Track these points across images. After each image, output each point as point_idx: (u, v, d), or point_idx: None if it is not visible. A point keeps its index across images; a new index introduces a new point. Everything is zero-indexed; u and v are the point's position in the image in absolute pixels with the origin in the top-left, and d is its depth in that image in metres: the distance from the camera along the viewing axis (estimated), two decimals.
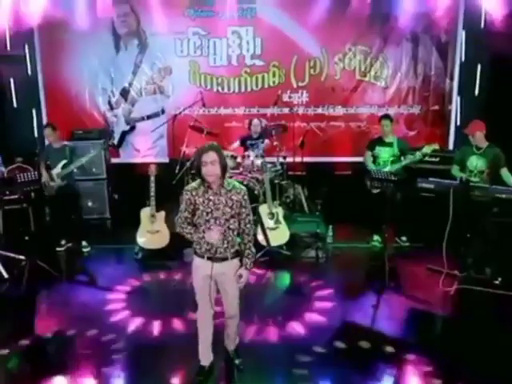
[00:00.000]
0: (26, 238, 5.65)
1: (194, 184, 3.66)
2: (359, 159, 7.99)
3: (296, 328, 4.55)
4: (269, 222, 6.12)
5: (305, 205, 7.29)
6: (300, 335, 4.45)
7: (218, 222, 3.57)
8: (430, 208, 6.58)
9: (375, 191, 6.15)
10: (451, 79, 7.99)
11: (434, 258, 5.56)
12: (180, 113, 6.87)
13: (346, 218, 6.87)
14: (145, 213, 6.20)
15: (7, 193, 5.81)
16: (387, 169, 6.10)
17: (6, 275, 5.62)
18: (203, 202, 3.57)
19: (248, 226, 3.69)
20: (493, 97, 7.43)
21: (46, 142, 6.73)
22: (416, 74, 8.05)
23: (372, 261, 6.06)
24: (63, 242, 6.54)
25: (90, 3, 7.66)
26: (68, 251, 6.49)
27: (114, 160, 8.30)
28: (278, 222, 6.13)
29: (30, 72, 8.03)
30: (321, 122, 8.23)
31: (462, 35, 7.78)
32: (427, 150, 6.00)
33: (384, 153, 6.37)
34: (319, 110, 8.20)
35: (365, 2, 7.54)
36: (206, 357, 3.96)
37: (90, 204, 7.57)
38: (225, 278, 3.75)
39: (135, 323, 4.67)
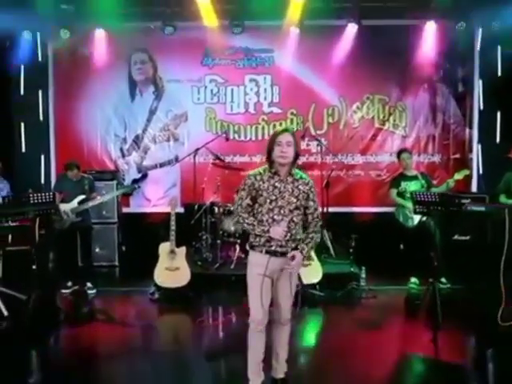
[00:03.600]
0: (34, 266, 5.02)
1: (259, 169, 3.34)
2: (380, 209, 7.83)
3: (354, 365, 3.98)
4: None
5: (331, 248, 6.80)
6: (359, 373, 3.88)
7: (282, 211, 3.23)
8: (465, 251, 6.28)
9: (415, 221, 5.82)
10: (470, 127, 7.92)
11: (483, 297, 5.09)
12: (202, 147, 6.57)
13: (376, 261, 6.36)
14: (164, 248, 5.67)
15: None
16: None
17: (5, 313, 4.98)
18: (267, 188, 3.23)
19: (316, 219, 3.35)
20: None
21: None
22: (435, 123, 7.97)
23: (416, 300, 5.50)
24: (69, 284, 5.93)
25: (107, 50, 7.62)
26: (74, 294, 5.85)
27: (124, 209, 7.84)
28: (309, 258, 5.62)
29: (41, 117, 7.82)
30: (340, 171, 7.97)
31: (479, 84, 7.82)
32: (459, 175, 5.82)
33: (412, 186, 6.11)
34: (338, 159, 7.98)
35: (381, 53, 7.59)
36: (256, 375, 3.37)
37: (97, 250, 6.98)
38: (282, 274, 3.30)
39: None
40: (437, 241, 5.86)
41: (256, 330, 3.33)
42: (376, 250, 6.71)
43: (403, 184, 6.11)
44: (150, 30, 7.57)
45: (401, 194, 6.09)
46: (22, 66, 7.46)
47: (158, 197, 8.04)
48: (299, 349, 4.23)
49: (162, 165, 8.04)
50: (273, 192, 3.26)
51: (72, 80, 7.79)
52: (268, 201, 3.26)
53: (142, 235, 7.47)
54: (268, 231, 3.22)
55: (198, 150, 6.42)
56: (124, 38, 7.51)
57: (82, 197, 5.75)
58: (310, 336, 4.83)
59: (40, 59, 7.61)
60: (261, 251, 3.30)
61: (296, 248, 3.31)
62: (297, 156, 3.29)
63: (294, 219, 3.29)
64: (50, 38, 7.43)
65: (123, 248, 7.55)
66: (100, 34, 7.47)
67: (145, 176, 8.02)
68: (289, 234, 3.26)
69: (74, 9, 6.97)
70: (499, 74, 7.56)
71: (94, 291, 5.89)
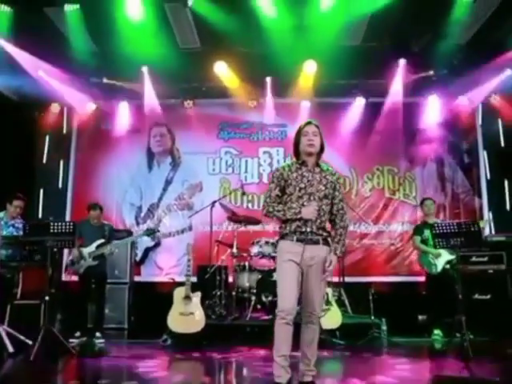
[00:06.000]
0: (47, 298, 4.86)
1: (286, 162, 3.51)
2: (396, 279, 7.74)
3: None
4: None
5: (348, 307, 6.56)
6: None
7: (311, 198, 3.33)
8: (486, 310, 6.11)
9: (439, 268, 5.80)
10: (480, 196, 8.05)
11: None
12: (219, 200, 6.65)
13: (396, 314, 6.17)
14: (179, 293, 5.51)
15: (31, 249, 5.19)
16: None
17: (11, 349, 4.74)
18: (296, 177, 3.37)
19: (341, 211, 3.41)
20: None
21: None
22: (444, 192, 8.13)
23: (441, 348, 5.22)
24: (77, 334, 5.66)
25: (129, 123, 8.09)
26: (82, 344, 5.54)
27: (135, 278, 7.68)
28: (328, 303, 5.44)
29: (60, 185, 8.07)
30: (353, 240, 7.96)
31: (483, 155, 8.09)
32: (481, 224, 5.76)
33: None
34: (351, 228, 7.98)
35: (389, 126, 8.00)
36: (282, 371, 3.15)
37: (107, 311, 6.70)
38: (313, 264, 3.27)
39: None
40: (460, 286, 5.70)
41: (283, 322, 3.18)
42: (394, 315, 6.46)
43: (426, 233, 6.11)
44: (170, 105, 8.10)
45: (424, 242, 6.08)
46: (48, 136, 7.87)
47: (171, 265, 7.97)
48: None
49: (175, 233, 8.08)
50: (301, 180, 3.35)
51: (93, 151, 8.19)
52: (297, 189, 3.34)
53: (152, 305, 7.21)
54: (299, 212, 3.24)
55: (214, 202, 6.48)
56: (146, 113, 8.02)
57: (101, 241, 5.78)
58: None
59: (64, 131, 8.04)
60: (292, 239, 3.28)
61: (326, 239, 3.31)
62: (322, 148, 3.43)
63: (323, 207, 3.34)
64: (77, 110, 7.92)
65: (132, 318, 7.27)
66: (124, 108, 7.98)
67: (158, 244, 8.03)
68: (319, 221, 3.27)
69: (102, 84, 7.55)
70: (502, 144, 7.88)
71: (103, 341, 5.61)
